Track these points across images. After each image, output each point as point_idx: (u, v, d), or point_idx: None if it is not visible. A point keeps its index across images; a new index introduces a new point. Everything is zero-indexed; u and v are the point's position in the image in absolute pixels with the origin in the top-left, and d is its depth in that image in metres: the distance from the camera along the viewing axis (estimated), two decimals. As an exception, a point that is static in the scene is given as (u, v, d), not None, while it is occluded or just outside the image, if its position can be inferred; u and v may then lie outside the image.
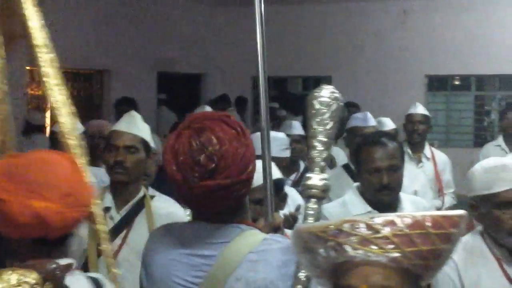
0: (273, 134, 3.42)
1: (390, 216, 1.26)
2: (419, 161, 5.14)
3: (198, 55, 11.24)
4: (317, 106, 1.75)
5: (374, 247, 1.23)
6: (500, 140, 5.68)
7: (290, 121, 5.32)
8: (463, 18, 10.73)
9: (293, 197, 3.47)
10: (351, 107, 7.22)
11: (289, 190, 3.36)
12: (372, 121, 4.42)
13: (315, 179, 1.74)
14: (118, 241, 2.91)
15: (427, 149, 5.22)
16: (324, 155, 1.75)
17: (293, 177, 4.74)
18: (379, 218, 1.26)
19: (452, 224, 1.27)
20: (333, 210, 3.02)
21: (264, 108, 2.06)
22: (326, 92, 1.77)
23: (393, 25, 11.06)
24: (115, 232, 2.92)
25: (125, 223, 2.96)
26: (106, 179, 3.56)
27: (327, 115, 1.74)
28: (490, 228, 2.42)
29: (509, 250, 2.40)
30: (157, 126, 8.76)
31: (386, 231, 1.23)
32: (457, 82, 11.58)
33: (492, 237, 2.43)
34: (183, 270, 1.82)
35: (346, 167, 4.15)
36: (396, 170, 2.92)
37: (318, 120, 1.75)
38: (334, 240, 1.26)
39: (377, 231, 1.23)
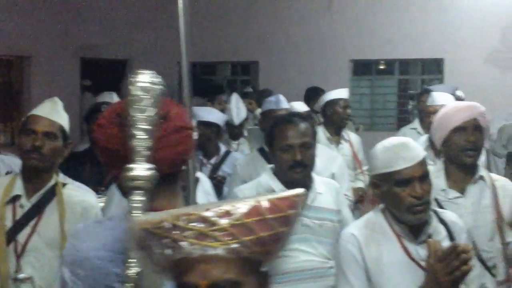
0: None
1: (224, 205, 1.22)
2: (337, 143, 5.27)
3: (122, 40, 11.06)
4: (136, 92, 1.64)
5: (211, 240, 1.19)
6: (416, 123, 5.82)
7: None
8: (387, 3, 10.94)
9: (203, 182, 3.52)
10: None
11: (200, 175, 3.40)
12: (284, 104, 4.49)
13: (139, 169, 1.60)
14: (28, 229, 2.85)
15: (345, 132, 5.36)
16: (147, 143, 1.62)
17: (213, 160, 4.78)
18: (213, 210, 1.21)
19: (290, 205, 1.25)
20: (248, 192, 3.06)
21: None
22: (145, 77, 1.66)
23: (319, 10, 11.16)
24: (25, 220, 2.86)
25: (35, 212, 2.89)
26: (15, 166, 3.47)
27: (147, 101, 1.63)
28: (391, 206, 2.49)
29: (408, 226, 2.48)
30: (81, 112, 8.60)
31: (223, 222, 1.19)
32: (381, 67, 11.83)
33: (393, 214, 2.50)
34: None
35: (261, 150, 4.21)
36: (308, 147, 3.02)
37: (137, 106, 1.63)
38: (169, 237, 1.21)
39: (213, 224, 1.20)
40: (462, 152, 3.04)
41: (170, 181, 1.71)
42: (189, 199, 2.10)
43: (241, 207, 1.21)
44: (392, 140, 2.55)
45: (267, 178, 3.10)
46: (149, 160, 1.62)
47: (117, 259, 1.62)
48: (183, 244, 1.19)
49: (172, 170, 1.69)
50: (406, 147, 2.47)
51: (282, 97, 4.57)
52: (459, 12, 10.78)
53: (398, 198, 2.43)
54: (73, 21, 9.99)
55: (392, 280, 2.43)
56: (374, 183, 2.53)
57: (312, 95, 7.00)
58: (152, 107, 1.64)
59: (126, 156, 1.62)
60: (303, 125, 3.03)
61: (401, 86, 11.44)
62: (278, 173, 3.06)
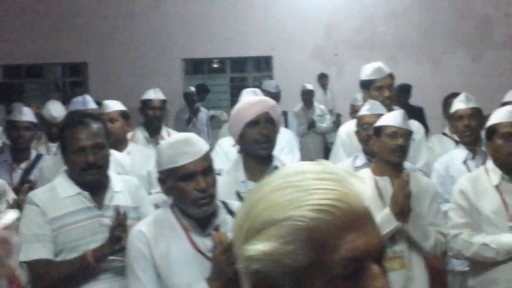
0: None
1: None
2: (156, 143, 5.26)
3: None
4: None
5: None
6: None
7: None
8: (216, 2, 11.09)
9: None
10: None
11: None
12: (91, 104, 4.41)
13: None
14: None
15: (164, 131, 5.36)
16: None
17: (23, 165, 4.59)
18: None
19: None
20: (42, 196, 2.97)
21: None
22: None
23: (147, 8, 11.09)
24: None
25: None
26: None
27: None
28: (178, 200, 2.53)
29: (196, 219, 2.52)
30: None
31: None
32: (214, 65, 11.98)
33: (180, 208, 2.54)
34: None
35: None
36: (101, 148, 2.97)
37: None
38: None
39: None
40: (257, 144, 3.15)
41: None
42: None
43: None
44: (176, 136, 2.59)
45: (61, 181, 3.02)
46: None
47: None
48: None
49: None
50: (189, 142, 2.51)
51: (88, 97, 4.49)
52: (285, 10, 11.17)
53: (183, 193, 2.47)
54: None
55: (181, 274, 2.47)
56: (160, 179, 2.55)
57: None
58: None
59: None
60: (94, 126, 2.98)
61: (234, 84, 11.67)
62: (72, 175, 3.00)
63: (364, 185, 1.07)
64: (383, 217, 3.29)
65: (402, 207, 3.27)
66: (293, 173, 1.06)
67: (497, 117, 3.45)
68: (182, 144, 2.49)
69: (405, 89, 8.72)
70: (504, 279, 3.27)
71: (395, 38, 11.06)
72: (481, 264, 3.38)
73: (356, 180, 1.06)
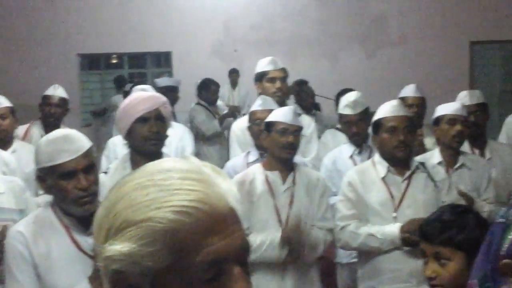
0: None
1: None
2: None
3: None
4: None
5: None
6: None
7: None
8: (113, -3, 10.88)
9: None
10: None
11: None
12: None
13: None
14: None
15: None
16: None
17: None
18: None
19: None
20: None
21: None
22: None
23: (41, 2, 10.73)
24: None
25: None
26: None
27: None
28: (58, 199, 2.44)
29: (77, 218, 2.45)
30: None
31: None
32: (112, 61, 11.75)
33: (61, 207, 2.45)
34: None
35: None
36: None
37: None
38: None
39: None
40: (145, 141, 3.09)
41: None
42: None
43: None
44: (56, 133, 2.50)
45: None
46: None
47: None
48: None
49: None
50: (69, 139, 2.43)
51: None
52: (184, 6, 11.09)
53: (63, 191, 2.39)
54: None
55: (62, 273, 2.39)
56: (39, 177, 2.45)
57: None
58: None
59: None
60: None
61: (132, 80, 11.47)
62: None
63: (231, 185, 1.05)
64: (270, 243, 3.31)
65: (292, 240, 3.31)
66: (157, 171, 1.03)
67: (382, 111, 3.54)
68: (61, 141, 2.41)
69: (301, 85, 8.84)
70: (389, 268, 3.36)
71: (293, 35, 11.22)
72: (368, 255, 3.47)
73: (222, 180, 1.04)
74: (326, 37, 11.24)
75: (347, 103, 4.43)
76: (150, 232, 0.97)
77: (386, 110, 3.53)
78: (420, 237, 2.20)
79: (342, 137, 4.79)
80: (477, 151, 4.20)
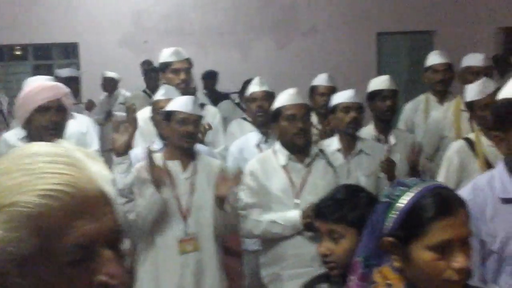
0: None
1: None
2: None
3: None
4: None
5: None
6: None
7: None
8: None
9: None
10: None
11: None
12: None
13: None
14: None
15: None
16: None
17: None
18: None
19: None
20: None
21: None
22: None
23: None
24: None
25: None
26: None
27: None
28: None
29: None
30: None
31: None
32: (16, 52, 11.34)
33: None
34: None
35: None
36: None
37: None
38: None
39: None
40: (44, 131, 3.08)
41: None
42: None
43: None
44: None
45: None
46: None
47: None
48: None
49: None
50: None
51: None
52: (92, -4, 10.86)
53: None
54: None
55: None
56: None
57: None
58: None
59: None
60: None
61: (36, 71, 11.07)
62: None
63: (102, 168, 1.03)
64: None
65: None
66: (24, 155, 1.00)
67: (281, 100, 3.58)
68: None
69: (211, 76, 8.84)
70: (292, 254, 3.41)
71: (204, 25, 11.16)
72: (271, 242, 3.50)
73: (94, 163, 1.02)
74: (237, 28, 11.25)
75: (255, 82, 4.58)
76: (16, 217, 0.94)
77: (284, 98, 3.57)
78: (315, 215, 2.24)
79: (248, 126, 4.81)
80: (382, 137, 4.31)
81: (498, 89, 3.63)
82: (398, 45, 11.45)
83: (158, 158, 3.47)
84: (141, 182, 3.34)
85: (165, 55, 4.49)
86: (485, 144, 3.57)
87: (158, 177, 3.30)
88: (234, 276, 4.21)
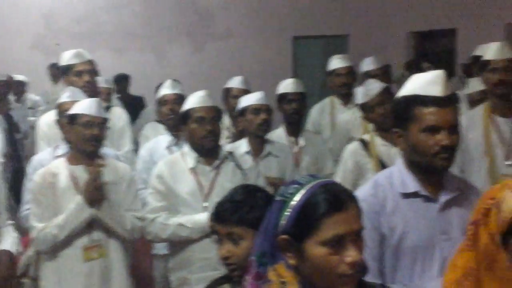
0: None
1: None
2: None
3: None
4: None
5: None
6: None
7: None
8: None
9: None
10: None
11: None
12: None
13: None
14: None
15: None
16: None
17: None
18: None
19: None
20: None
21: None
22: None
23: None
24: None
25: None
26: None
27: None
28: None
29: None
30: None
31: None
32: None
33: None
34: None
35: None
36: None
37: None
38: None
39: None
40: None
41: None
42: None
43: None
44: None
45: None
46: None
47: None
48: None
49: None
50: None
51: None
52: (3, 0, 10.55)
53: None
54: None
55: None
56: None
57: None
58: None
59: None
60: None
61: None
62: None
63: None
64: (76, 206, 3.23)
65: (94, 195, 3.24)
66: None
67: (190, 103, 3.55)
68: None
69: (123, 79, 8.73)
70: (199, 257, 3.38)
71: (119, 28, 10.99)
72: (179, 246, 3.46)
73: None
74: (152, 31, 11.12)
75: (166, 85, 4.57)
76: None
77: (193, 101, 3.55)
78: (214, 219, 2.20)
79: (162, 129, 4.77)
80: (292, 139, 4.34)
81: (386, 89, 3.76)
82: (314, 48, 11.62)
83: (61, 163, 3.39)
84: (45, 189, 3.25)
85: (66, 57, 4.37)
86: (379, 144, 3.66)
87: (95, 196, 3.22)
88: (143, 281, 4.14)
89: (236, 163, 3.56)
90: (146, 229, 3.45)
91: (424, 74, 2.30)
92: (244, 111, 4.02)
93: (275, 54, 11.16)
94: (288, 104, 4.30)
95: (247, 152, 3.95)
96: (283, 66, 11.08)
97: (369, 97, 3.74)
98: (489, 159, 3.52)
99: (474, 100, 4.57)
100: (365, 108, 3.79)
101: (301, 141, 4.35)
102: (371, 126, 3.88)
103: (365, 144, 3.73)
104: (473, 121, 3.58)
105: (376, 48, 9.30)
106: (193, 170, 3.48)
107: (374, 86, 3.79)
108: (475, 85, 4.66)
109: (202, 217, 3.35)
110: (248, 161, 3.77)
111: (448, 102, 2.21)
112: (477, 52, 4.79)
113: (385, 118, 3.59)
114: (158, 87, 5.57)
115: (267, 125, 3.98)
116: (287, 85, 4.42)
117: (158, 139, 4.46)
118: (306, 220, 1.59)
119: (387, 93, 3.73)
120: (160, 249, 4.11)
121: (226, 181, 3.46)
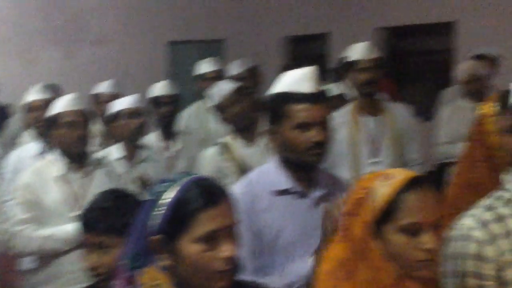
0: None
1: None
2: None
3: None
4: None
5: None
6: None
7: None
8: None
9: None
10: None
11: None
12: None
13: None
14: None
15: None
16: None
17: None
18: None
19: None
20: None
21: None
22: None
23: None
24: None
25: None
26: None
27: None
28: None
29: None
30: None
31: None
32: None
33: None
34: None
35: None
36: None
37: None
38: None
39: None
40: None
41: None
42: None
43: None
44: None
45: None
46: None
47: None
48: None
49: None
50: None
51: None
52: None
53: None
54: None
55: None
56: None
57: None
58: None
59: None
60: None
61: None
62: None
63: None
64: None
65: None
66: None
67: (57, 107, 3.42)
68: None
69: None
70: (68, 270, 3.19)
71: (-19, 32, 10.46)
72: (46, 259, 3.27)
73: None
74: (20, 36, 10.65)
75: (35, 90, 4.47)
76: None
77: (61, 105, 3.39)
78: (82, 227, 2.06)
79: (27, 137, 4.56)
80: (168, 143, 4.28)
81: (238, 88, 3.76)
82: (190, 53, 11.56)
83: None
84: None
85: None
86: (239, 146, 3.64)
87: None
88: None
89: (109, 169, 3.43)
90: (11, 242, 3.23)
91: (295, 71, 2.30)
92: (117, 115, 3.89)
93: (152, 59, 11.02)
94: (161, 107, 4.24)
95: (122, 158, 3.83)
96: (160, 71, 10.96)
97: (221, 98, 3.72)
98: (354, 157, 3.61)
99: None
100: (219, 109, 3.76)
101: (178, 144, 4.28)
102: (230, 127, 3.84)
103: (225, 147, 3.67)
104: (342, 120, 3.66)
105: (252, 52, 9.40)
106: (63, 177, 3.31)
107: (225, 87, 3.77)
108: (333, 90, 4.69)
109: (71, 228, 3.17)
110: (122, 167, 3.65)
111: (318, 98, 2.23)
112: (345, 55, 4.91)
113: (239, 117, 3.60)
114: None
115: (142, 130, 3.88)
116: (159, 88, 4.36)
117: (26, 147, 4.25)
118: (179, 217, 1.54)
119: (240, 93, 3.72)
120: (29, 263, 3.89)
121: (99, 188, 3.27)
